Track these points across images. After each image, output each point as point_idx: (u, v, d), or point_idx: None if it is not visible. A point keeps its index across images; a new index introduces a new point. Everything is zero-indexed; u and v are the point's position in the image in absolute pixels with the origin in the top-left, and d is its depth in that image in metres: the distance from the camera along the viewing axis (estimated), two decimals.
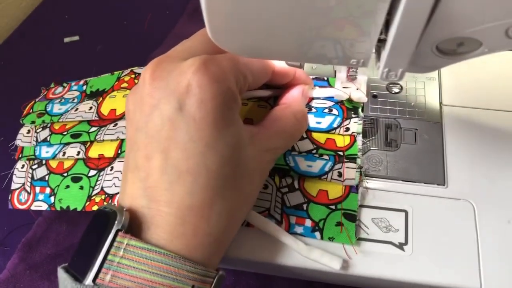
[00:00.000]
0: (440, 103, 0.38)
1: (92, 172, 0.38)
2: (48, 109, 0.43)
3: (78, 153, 0.39)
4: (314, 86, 0.37)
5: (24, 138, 0.42)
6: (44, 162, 0.41)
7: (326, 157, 0.34)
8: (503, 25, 0.20)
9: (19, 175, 0.41)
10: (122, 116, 0.39)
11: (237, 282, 0.42)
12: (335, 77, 0.37)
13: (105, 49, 0.64)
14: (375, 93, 0.38)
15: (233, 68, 0.28)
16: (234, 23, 0.22)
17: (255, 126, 0.31)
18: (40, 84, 0.48)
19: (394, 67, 0.23)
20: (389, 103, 0.38)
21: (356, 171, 0.33)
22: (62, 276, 0.25)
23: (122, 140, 0.38)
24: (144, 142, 0.27)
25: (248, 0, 0.20)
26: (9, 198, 0.41)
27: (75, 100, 0.43)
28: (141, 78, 0.28)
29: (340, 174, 0.33)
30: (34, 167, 0.41)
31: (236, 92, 0.28)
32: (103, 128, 0.39)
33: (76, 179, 0.38)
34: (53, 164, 0.40)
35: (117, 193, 0.36)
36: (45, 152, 0.40)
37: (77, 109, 0.41)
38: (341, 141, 0.34)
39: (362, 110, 0.36)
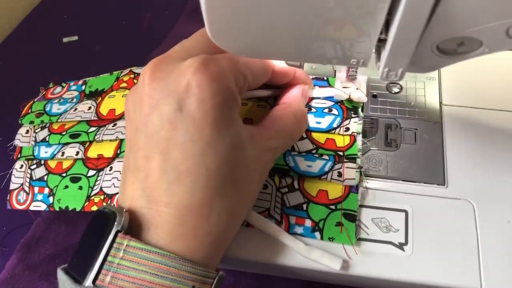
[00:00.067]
0: (440, 103, 0.38)
1: (91, 172, 0.38)
2: (47, 109, 0.42)
3: (77, 153, 0.38)
4: (314, 86, 0.37)
5: (22, 138, 0.42)
6: (42, 162, 0.40)
7: (326, 157, 0.34)
8: (503, 24, 0.20)
9: (18, 175, 0.41)
10: (121, 116, 0.39)
11: (237, 282, 0.42)
12: (335, 77, 0.37)
13: (104, 49, 0.64)
14: (375, 93, 0.38)
15: (232, 68, 0.28)
16: (233, 23, 0.21)
17: (255, 126, 0.31)
18: (39, 84, 0.47)
19: (394, 67, 0.23)
20: (389, 103, 0.38)
21: (356, 171, 0.33)
22: (62, 277, 0.25)
23: (121, 140, 0.37)
24: (144, 143, 0.27)
25: (248, 0, 0.20)
26: (8, 198, 0.41)
27: (74, 100, 0.43)
28: (140, 78, 0.27)
29: (340, 174, 0.33)
30: (32, 167, 0.41)
31: (235, 92, 0.28)
32: (102, 128, 0.39)
33: (75, 179, 0.38)
34: (52, 164, 0.40)
35: (116, 193, 0.36)
36: (44, 152, 0.40)
37: (76, 109, 0.41)
38: (341, 141, 0.34)
39: (362, 110, 0.36)
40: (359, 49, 0.23)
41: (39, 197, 0.39)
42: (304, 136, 0.34)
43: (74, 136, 0.39)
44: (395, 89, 0.39)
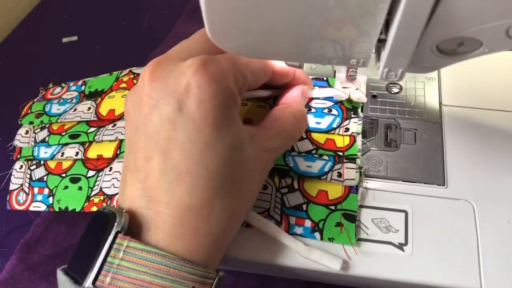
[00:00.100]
0: (440, 103, 0.38)
1: (91, 173, 0.38)
2: (47, 109, 0.42)
3: (77, 153, 0.38)
4: (314, 86, 0.37)
5: (22, 139, 0.42)
6: (42, 162, 0.40)
7: (325, 157, 0.34)
8: (503, 25, 0.20)
9: (18, 176, 0.41)
10: (121, 117, 0.39)
11: (236, 283, 0.42)
12: (334, 77, 0.37)
13: (103, 49, 0.64)
14: (374, 93, 0.38)
15: (232, 68, 0.28)
16: (233, 23, 0.21)
17: (255, 126, 0.31)
18: (38, 84, 0.47)
19: (394, 67, 0.23)
20: (389, 103, 0.38)
21: (356, 172, 0.33)
22: (62, 278, 0.25)
23: (121, 141, 0.37)
24: (143, 143, 0.27)
25: (248, 0, 0.20)
26: (8, 199, 0.41)
27: (74, 101, 0.43)
28: (140, 78, 0.27)
29: (339, 175, 0.33)
30: (32, 167, 0.41)
31: (235, 92, 0.28)
32: (101, 129, 0.39)
33: (74, 180, 0.38)
34: (52, 164, 0.40)
35: (116, 193, 0.36)
36: (44, 152, 0.40)
37: (75, 109, 0.41)
38: (341, 141, 0.34)
39: (362, 110, 0.36)
40: (359, 49, 0.22)
41: (39, 197, 0.39)
42: (304, 136, 0.34)
43: (73, 136, 0.39)
44: (395, 89, 0.39)
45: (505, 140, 0.35)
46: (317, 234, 0.32)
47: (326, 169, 0.33)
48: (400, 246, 0.31)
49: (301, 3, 0.20)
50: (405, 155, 0.35)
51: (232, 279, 0.42)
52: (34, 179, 0.40)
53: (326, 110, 0.35)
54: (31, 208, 0.39)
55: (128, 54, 0.61)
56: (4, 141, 0.43)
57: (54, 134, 0.40)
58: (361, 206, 0.33)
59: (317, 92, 0.37)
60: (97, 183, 0.37)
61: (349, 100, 0.35)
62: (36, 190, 0.39)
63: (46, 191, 0.39)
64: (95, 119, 0.39)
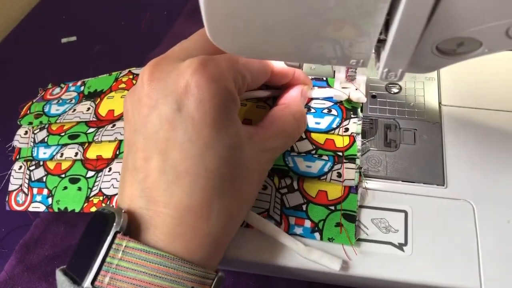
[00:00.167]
0: (439, 103, 0.38)
1: (90, 173, 0.38)
2: (46, 110, 0.42)
3: (76, 154, 0.38)
4: (313, 86, 0.37)
5: (21, 139, 0.42)
6: (41, 163, 0.40)
7: (325, 157, 0.34)
8: (503, 25, 0.20)
9: (17, 177, 0.41)
10: (120, 117, 0.39)
11: (236, 283, 0.42)
12: (334, 77, 0.37)
13: (103, 49, 0.64)
14: (374, 93, 0.38)
15: (231, 68, 0.28)
16: (233, 24, 0.21)
17: (254, 127, 0.31)
18: (37, 84, 0.47)
19: (394, 67, 0.23)
20: (388, 103, 0.38)
21: (356, 172, 0.33)
22: (61, 278, 0.25)
23: (120, 141, 0.37)
24: (142, 143, 0.27)
25: (247, 0, 0.20)
26: (7, 199, 0.40)
27: (73, 101, 0.43)
28: (139, 79, 0.27)
29: (339, 175, 0.33)
30: (31, 168, 0.41)
31: (234, 92, 0.28)
32: (101, 129, 0.39)
33: (74, 180, 0.38)
34: (51, 165, 0.40)
35: (115, 194, 0.36)
36: (43, 153, 0.40)
37: (74, 110, 0.41)
38: (340, 141, 0.34)
39: (361, 111, 0.36)
40: (358, 50, 0.22)
41: (38, 198, 0.39)
42: (304, 136, 0.34)
43: (73, 137, 0.39)
44: (395, 90, 0.39)
45: (504, 140, 0.35)
46: (316, 234, 0.32)
47: (325, 169, 0.33)
48: (400, 246, 0.31)
49: (301, 3, 0.20)
50: (405, 155, 0.35)
51: (232, 279, 0.42)
52: (33, 179, 0.40)
53: (325, 110, 0.35)
54: (30, 209, 0.39)
55: (127, 55, 0.61)
56: (3, 142, 0.43)
57: (53, 135, 0.40)
58: (361, 206, 0.33)
59: (317, 92, 0.37)
60: (96, 183, 0.37)
61: (348, 100, 0.35)
62: (35, 190, 0.39)
63: (45, 191, 0.39)
64: (94, 119, 0.39)
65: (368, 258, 0.31)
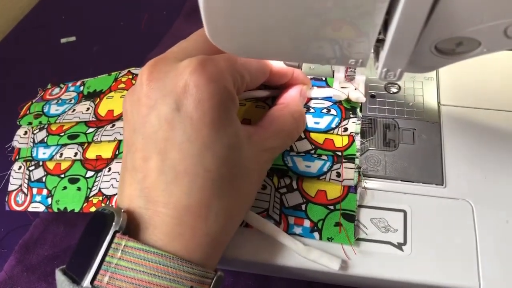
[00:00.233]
0: (438, 103, 0.38)
1: (90, 173, 0.38)
2: (45, 110, 0.42)
3: (76, 154, 0.38)
4: (312, 86, 0.37)
5: (21, 140, 0.42)
6: (41, 163, 0.40)
7: (324, 157, 0.34)
8: (501, 24, 0.20)
9: (16, 177, 0.41)
10: (119, 117, 0.39)
11: (235, 283, 0.42)
12: (333, 77, 0.37)
13: (102, 49, 0.64)
14: (373, 93, 0.38)
15: (230, 68, 0.28)
16: (232, 24, 0.21)
17: (253, 126, 0.31)
18: (37, 85, 0.47)
19: (393, 67, 0.23)
20: (387, 103, 0.38)
21: (355, 171, 0.33)
22: (60, 278, 0.25)
23: (120, 141, 0.37)
24: (141, 143, 0.27)
25: (246, 0, 0.20)
26: (6, 199, 0.40)
27: (72, 101, 0.43)
28: (138, 79, 0.27)
29: (338, 174, 0.33)
30: (31, 168, 0.41)
31: (233, 92, 0.28)
32: (100, 129, 0.39)
33: (73, 180, 0.38)
34: (50, 165, 0.40)
35: (115, 194, 0.36)
36: (42, 153, 0.40)
37: (74, 110, 0.41)
38: (340, 141, 0.34)
39: (360, 110, 0.36)
40: (357, 49, 0.22)
41: (38, 198, 0.39)
42: (303, 136, 0.34)
43: (72, 137, 0.39)
44: (394, 89, 0.39)
45: (503, 140, 0.35)
46: (316, 234, 0.32)
47: (325, 169, 0.33)
48: (399, 246, 0.31)
49: (300, 3, 0.20)
50: (404, 155, 0.35)
51: (231, 279, 0.42)
52: (33, 179, 0.40)
53: (324, 110, 0.35)
54: (29, 209, 0.39)
55: (127, 55, 0.61)
56: (3, 142, 0.43)
57: (52, 135, 0.40)
58: (360, 206, 0.33)
59: (316, 92, 0.37)
60: (96, 183, 0.37)
61: (347, 100, 0.35)
62: (35, 190, 0.39)
63: (45, 191, 0.39)
64: (93, 119, 0.39)
65: (367, 258, 0.31)
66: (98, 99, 0.41)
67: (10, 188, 0.41)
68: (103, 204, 0.36)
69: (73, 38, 0.65)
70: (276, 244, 0.32)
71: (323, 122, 0.35)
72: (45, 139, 0.40)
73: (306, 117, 0.35)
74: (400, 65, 0.22)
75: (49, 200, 0.38)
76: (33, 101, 0.45)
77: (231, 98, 0.27)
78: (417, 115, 0.37)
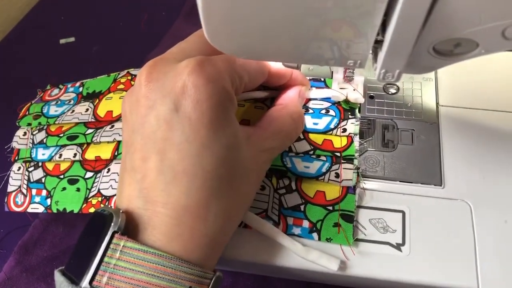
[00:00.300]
0: (437, 103, 0.38)
1: (89, 174, 0.38)
2: (44, 111, 0.42)
3: (75, 155, 0.38)
4: (311, 87, 0.37)
5: (20, 140, 0.42)
6: (40, 164, 0.40)
7: (323, 158, 0.34)
8: (499, 26, 0.20)
9: (16, 178, 0.41)
10: (118, 118, 0.39)
11: (234, 283, 0.42)
12: (332, 78, 0.37)
13: (101, 50, 0.64)
14: (372, 94, 0.38)
15: (228, 69, 0.28)
16: (231, 25, 0.21)
17: (251, 127, 0.31)
18: (36, 86, 0.47)
19: (391, 68, 0.23)
20: (386, 104, 0.38)
21: (353, 172, 0.33)
22: (59, 279, 0.25)
23: (119, 142, 0.37)
24: (140, 143, 0.27)
25: (245, 1, 0.20)
26: (6, 200, 0.40)
27: (71, 102, 0.43)
28: (136, 80, 0.28)
29: (337, 175, 0.33)
30: (30, 169, 0.41)
31: (231, 93, 0.28)
32: (99, 130, 0.39)
33: (72, 181, 0.38)
34: (50, 166, 0.40)
35: (114, 195, 0.36)
36: (42, 154, 0.40)
37: (73, 111, 0.41)
38: (338, 142, 0.34)
39: (359, 111, 0.36)
40: (356, 50, 0.23)
41: (37, 199, 0.39)
42: (301, 137, 0.34)
43: (71, 138, 0.39)
44: (392, 90, 0.39)
45: (502, 140, 0.35)
46: (315, 235, 0.32)
47: (323, 169, 0.33)
48: (398, 246, 0.31)
49: (300, 3, 0.20)
50: (402, 156, 0.35)
51: (230, 279, 0.42)
52: (32, 180, 0.40)
53: (323, 111, 0.35)
54: (29, 210, 0.39)
55: (126, 55, 0.61)
56: (2, 143, 0.43)
57: (52, 136, 0.40)
58: (359, 207, 0.33)
59: (315, 93, 0.37)
60: (95, 184, 0.37)
61: (346, 101, 0.35)
62: (34, 191, 0.39)
63: (44, 192, 0.39)
64: (93, 120, 0.39)
65: (366, 258, 0.31)
66: (97, 100, 0.41)
67: (10, 189, 0.41)
68: (102, 205, 0.36)
69: (72, 39, 0.65)
70: (275, 245, 0.32)
71: (322, 123, 0.35)
72: (45, 140, 0.40)
73: (305, 118, 0.35)
74: (399, 66, 0.22)
75: (49, 201, 0.38)
76: (33, 102, 0.45)
77: (229, 98, 0.27)
78: (415, 116, 0.37)
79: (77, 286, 0.24)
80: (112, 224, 0.24)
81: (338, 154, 0.34)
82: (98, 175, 0.38)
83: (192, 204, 0.26)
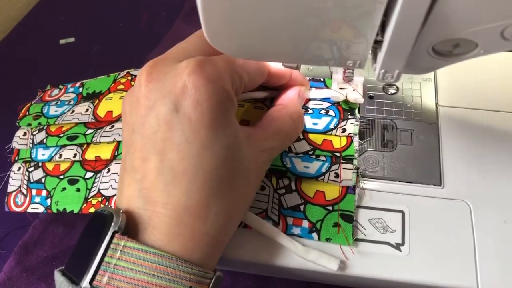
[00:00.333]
0: (436, 104, 0.38)
1: (89, 174, 0.38)
2: (44, 111, 0.42)
3: (75, 155, 0.38)
4: (311, 87, 0.37)
5: (20, 141, 0.42)
6: (40, 164, 0.40)
7: (323, 158, 0.34)
8: (498, 26, 0.20)
9: (16, 178, 0.41)
10: (118, 118, 0.39)
11: (234, 283, 0.42)
12: (331, 78, 0.37)
13: (101, 50, 0.64)
14: (371, 94, 0.39)
15: (228, 69, 0.28)
16: (231, 25, 0.22)
17: (251, 127, 0.31)
18: (36, 86, 0.47)
19: (391, 68, 0.23)
20: (386, 104, 0.38)
21: (353, 172, 0.33)
22: (59, 279, 0.25)
23: (119, 142, 0.37)
24: (140, 144, 0.27)
25: (245, 1, 0.20)
26: (6, 200, 0.41)
27: (72, 102, 0.43)
28: (136, 80, 0.28)
29: (337, 175, 0.33)
30: (30, 169, 0.41)
31: (231, 93, 0.28)
32: (99, 130, 0.39)
33: (72, 181, 0.38)
34: (50, 166, 0.40)
35: (114, 195, 0.36)
36: (42, 154, 0.40)
37: (73, 111, 0.41)
38: (338, 142, 0.34)
39: (359, 111, 0.36)
40: (355, 51, 0.23)
41: (37, 199, 0.39)
42: (301, 137, 0.34)
43: (71, 138, 0.39)
44: (392, 90, 0.39)
45: (501, 140, 0.35)
46: (314, 235, 0.32)
47: (323, 169, 0.33)
48: (397, 246, 0.31)
49: (300, 3, 0.20)
50: (402, 156, 0.35)
51: (230, 279, 0.42)
52: (32, 180, 0.40)
53: (323, 111, 0.36)
54: (29, 210, 0.39)
55: (126, 56, 0.61)
56: (2, 143, 0.43)
57: (52, 136, 0.40)
58: (358, 207, 0.33)
59: (314, 93, 0.37)
60: (95, 184, 0.37)
61: (346, 101, 0.35)
62: (34, 191, 0.39)
63: (44, 192, 0.39)
64: (93, 120, 0.39)
65: (366, 258, 0.31)
66: (97, 100, 0.41)
67: (10, 189, 0.41)
68: (102, 205, 0.36)
69: (72, 39, 0.65)
70: (275, 245, 0.32)
71: (322, 123, 0.35)
72: (45, 140, 0.40)
73: (304, 118, 0.35)
74: (398, 66, 0.22)
75: (49, 201, 0.38)
76: (33, 102, 0.45)
77: (229, 99, 0.27)
78: (415, 116, 0.37)
79: (77, 286, 0.24)
80: (113, 224, 0.24)
81: (338, 154, 0.34)
82: (98, 175, 0.38)
83: (193, 204, 0.26)
